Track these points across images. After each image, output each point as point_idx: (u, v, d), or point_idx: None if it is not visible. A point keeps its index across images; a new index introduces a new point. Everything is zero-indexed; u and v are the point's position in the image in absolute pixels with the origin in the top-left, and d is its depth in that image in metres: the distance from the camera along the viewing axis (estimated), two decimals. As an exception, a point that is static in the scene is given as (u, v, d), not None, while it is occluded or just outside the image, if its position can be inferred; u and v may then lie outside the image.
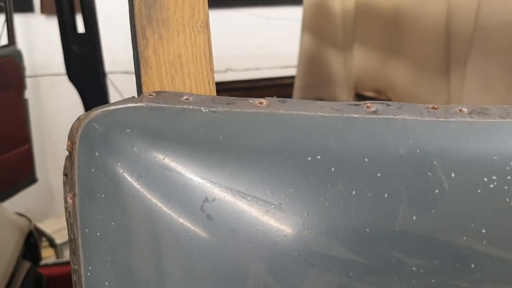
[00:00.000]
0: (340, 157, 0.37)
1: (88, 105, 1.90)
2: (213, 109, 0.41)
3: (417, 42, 1.29)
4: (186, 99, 0.43)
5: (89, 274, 0.40)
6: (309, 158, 0.37)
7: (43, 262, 1.90)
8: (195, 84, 0.45)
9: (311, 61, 1.84)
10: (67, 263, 2.06)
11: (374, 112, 0.40)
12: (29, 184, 2.37)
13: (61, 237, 2.54)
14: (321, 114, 0.40)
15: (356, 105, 0.41)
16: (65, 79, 2.02)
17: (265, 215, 0.36)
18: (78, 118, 0.42)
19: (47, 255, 2.48)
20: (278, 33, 3.26)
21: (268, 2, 3.31)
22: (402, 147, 0.37)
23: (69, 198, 0.42)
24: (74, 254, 0.42)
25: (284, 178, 0.36)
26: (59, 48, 1.92)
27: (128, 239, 0.38)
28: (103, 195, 0.39)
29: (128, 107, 0.42)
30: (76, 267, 0.42)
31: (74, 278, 0.43)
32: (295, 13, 2.88)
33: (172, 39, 0.44)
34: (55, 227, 2.63)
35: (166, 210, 0.37)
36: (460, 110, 0.40)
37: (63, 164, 0.40)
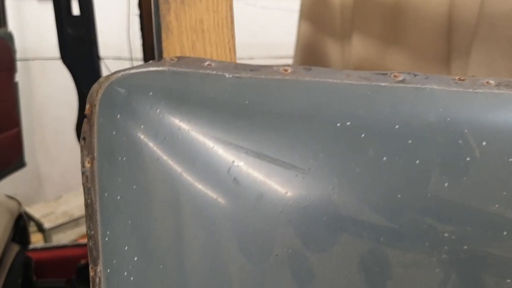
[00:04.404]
0: (370, 124, 0.36)
1: (81, 88, 1.87)
2: (237, 75, 0.40)
3: (417, 31, 1.29)
4: (208, 64, 0.42)
5: (107, 239, 0.40)
6: (338, 124, 0.36)
7: (31, 246, 1.88)
8: (216, 50, 0.45)
9: (309, 50, 1.84)
10: (56, 247, 2.04)
11: (402, 81, 0.39)
12: (17, 168, 2.33)
13: (49, 222, 2.51)
14: (348, 82, 0.39)
15: (383, 74, 0.40)
16: (56, 63, 1.98)
17: (294, 179, 0.35)
18: (98, 81, 0.41)
19: (35, 240, 2.45)
20: (272, 23, 3.25)
21: (263, -8, 3.30)
22: (432, 115, 0.36)
23: (86, 162, 0.41)
24: (91, 219, 0.41)
25: (313, 143, 0.36)
26: (51, 32, 1.89)
27: (151, 202, 0.37)
28: (124, 158, 0.38)
29: (150, 70, 0.41)
30: (92, 232, 0.41)
31: (90, 244, 0.41)
32: (290, 3, 2.87)
33: (194, 4, 0.43)
34: (43, 211, 2.60)
35: (191, 173, 0.37)
36: (487, 82, 0.40)
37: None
